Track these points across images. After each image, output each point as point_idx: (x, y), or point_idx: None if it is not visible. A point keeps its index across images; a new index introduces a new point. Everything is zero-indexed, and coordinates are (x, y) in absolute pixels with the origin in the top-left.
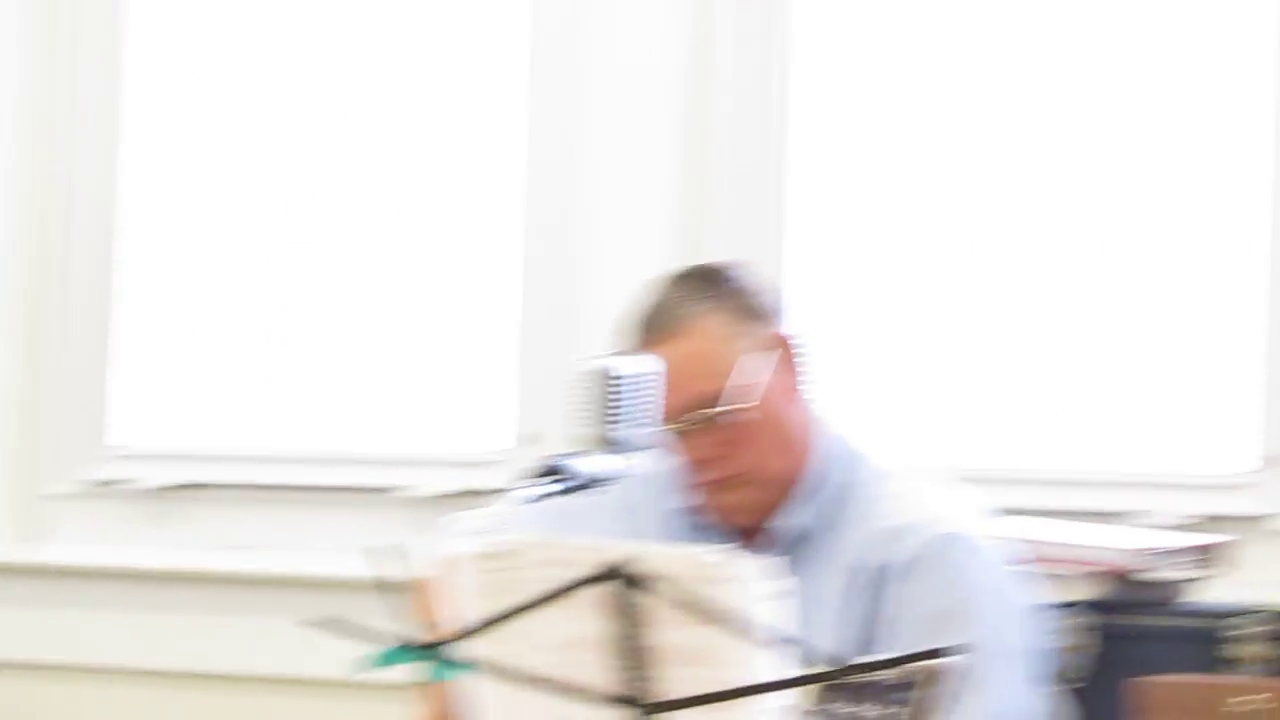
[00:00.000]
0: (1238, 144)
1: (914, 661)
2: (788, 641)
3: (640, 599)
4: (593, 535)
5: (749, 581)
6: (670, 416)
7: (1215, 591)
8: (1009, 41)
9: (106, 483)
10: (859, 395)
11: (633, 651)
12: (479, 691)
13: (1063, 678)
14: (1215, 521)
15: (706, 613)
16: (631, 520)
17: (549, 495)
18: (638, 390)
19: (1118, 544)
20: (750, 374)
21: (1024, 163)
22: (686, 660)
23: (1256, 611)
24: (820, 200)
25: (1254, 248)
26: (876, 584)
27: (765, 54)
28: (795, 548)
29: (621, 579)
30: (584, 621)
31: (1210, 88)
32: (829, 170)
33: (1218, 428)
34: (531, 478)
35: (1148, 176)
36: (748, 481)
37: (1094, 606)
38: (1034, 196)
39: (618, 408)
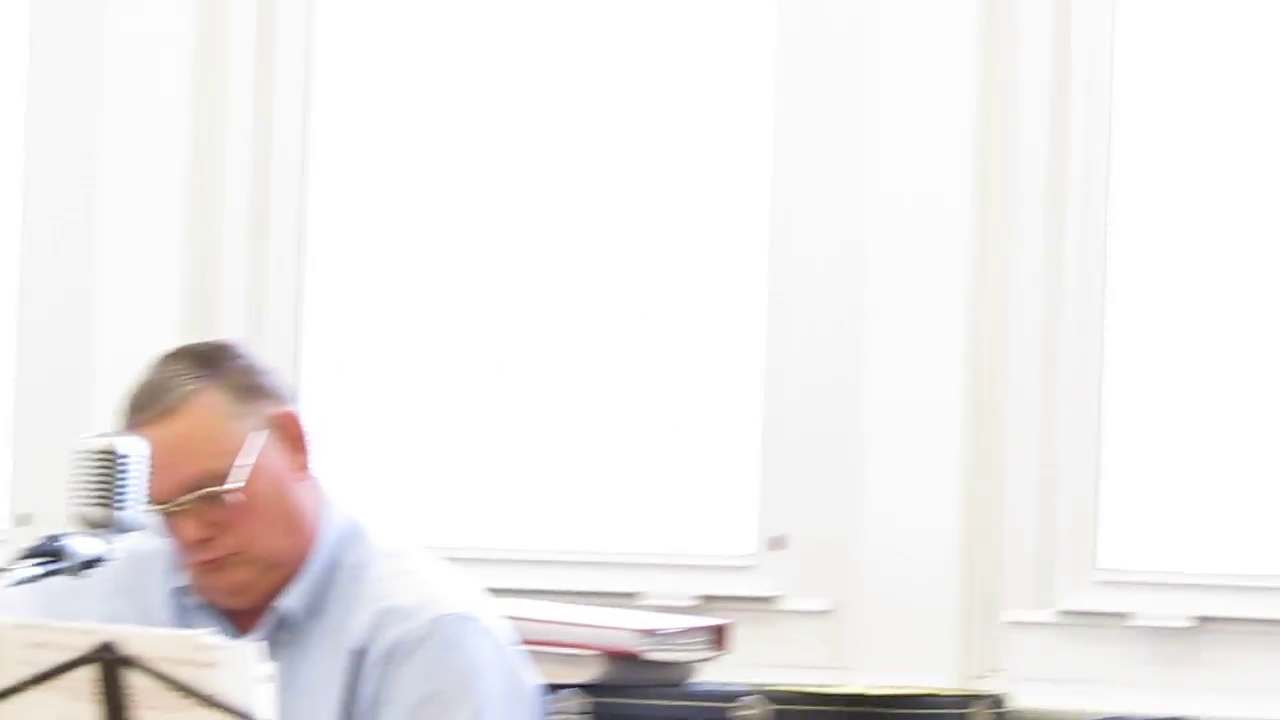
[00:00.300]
0: (731, 241)
1: None
2: None
3: (128, 682)
4: (90, 617)
5: (241, 664)
6: (161, 497)
7: (718, 673)
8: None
9: None
10: (359, 475)
11: None
12: None
13: None
14: (717, 603)
15: (196, 696)
16: (132, 601)
17: (42, 576)
18: (137, 470)
19: (621, 625)
20: (245, 454)
21: (522, 251)
22: None
23: (758, 692)
24: (333, 278)
25: (750, 334)
26: (376, 665)
27: (285, 127)
28: (297, 629)
29: (109, 661)
30: (72, 705)
31: (706, 182)
32: (343, 248)
33: (718, 510)
34: (24, 558)
35: (646, 262)
36: (243, 562)
37: (596, 688)
38: (537, 277)
39: (117, 487)
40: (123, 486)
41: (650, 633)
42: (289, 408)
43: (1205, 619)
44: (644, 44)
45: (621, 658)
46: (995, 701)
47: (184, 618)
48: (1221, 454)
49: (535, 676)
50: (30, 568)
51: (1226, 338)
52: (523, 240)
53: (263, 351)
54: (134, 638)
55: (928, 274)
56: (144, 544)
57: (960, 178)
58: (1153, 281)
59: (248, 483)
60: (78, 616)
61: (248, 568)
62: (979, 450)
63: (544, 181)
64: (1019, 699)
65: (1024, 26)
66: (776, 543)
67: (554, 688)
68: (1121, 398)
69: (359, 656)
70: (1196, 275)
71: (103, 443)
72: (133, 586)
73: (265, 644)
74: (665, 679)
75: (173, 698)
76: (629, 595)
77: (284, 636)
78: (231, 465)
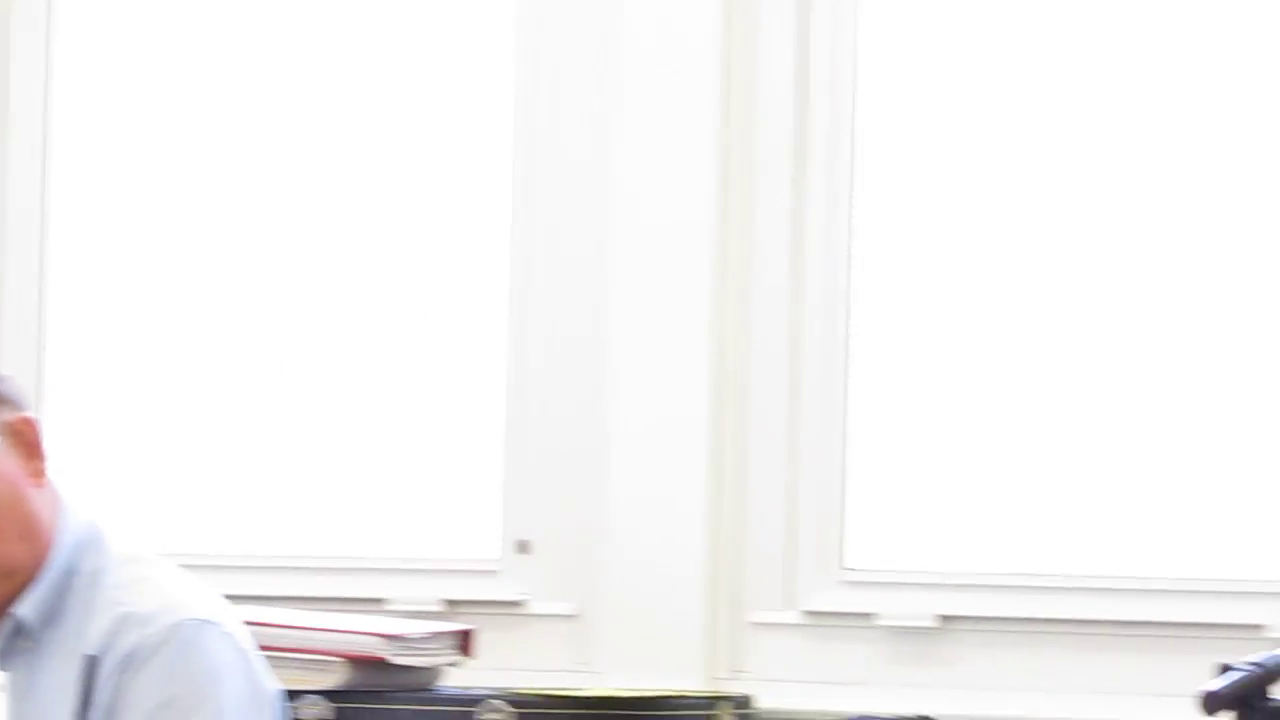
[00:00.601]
0: (473, 245)
1: None
2: None
3: None
4: None
5: None
6: None
7: (463, 677)
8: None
9: None
10: (97, 481)
11: None
12: None
13: None
14: (463, 607)
15: None
16: None
17: None
18: None
19: (365, 630)
20: None
21: (265, 255)
22: None
23: (502, 696)
24: (75, 285)
25: (492, 339)
26: (113, 672)
27: (24, 128)
28: (32, 637)
29: None
30: None
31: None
32: (84, 255)
33: (462, 515)
34: None
35: (389, 268)
36: None
37: (340, 694)
38: (278, 281)
39: None
40: None
41: (395, 638)
42: (25, 414)
43: (948, 618)
44: (382, 52)
45: (366, 663)
46: (741, 702)
47: None
48: (964, 456)
49: (277, 682)
50: None
51: (968, 342)
52: (266, 243)
53: None
54: None
55: (672, 279)
56: None
57: (703, 183)
58: (895, 286)
59: None
60: None
61: None
62: (724, 452)
63: (289, 184)
64: (765, 699)
65: (765, 34)
66: (521, 547)
67: (296, 694)
68: (866, 400)
69: (95, 663)
70: (938, 281)
71: None
72: None
73: (17, 651)
74: (410, 684)
75: None
76: (376, 601)
77: (19, 645)
78: None
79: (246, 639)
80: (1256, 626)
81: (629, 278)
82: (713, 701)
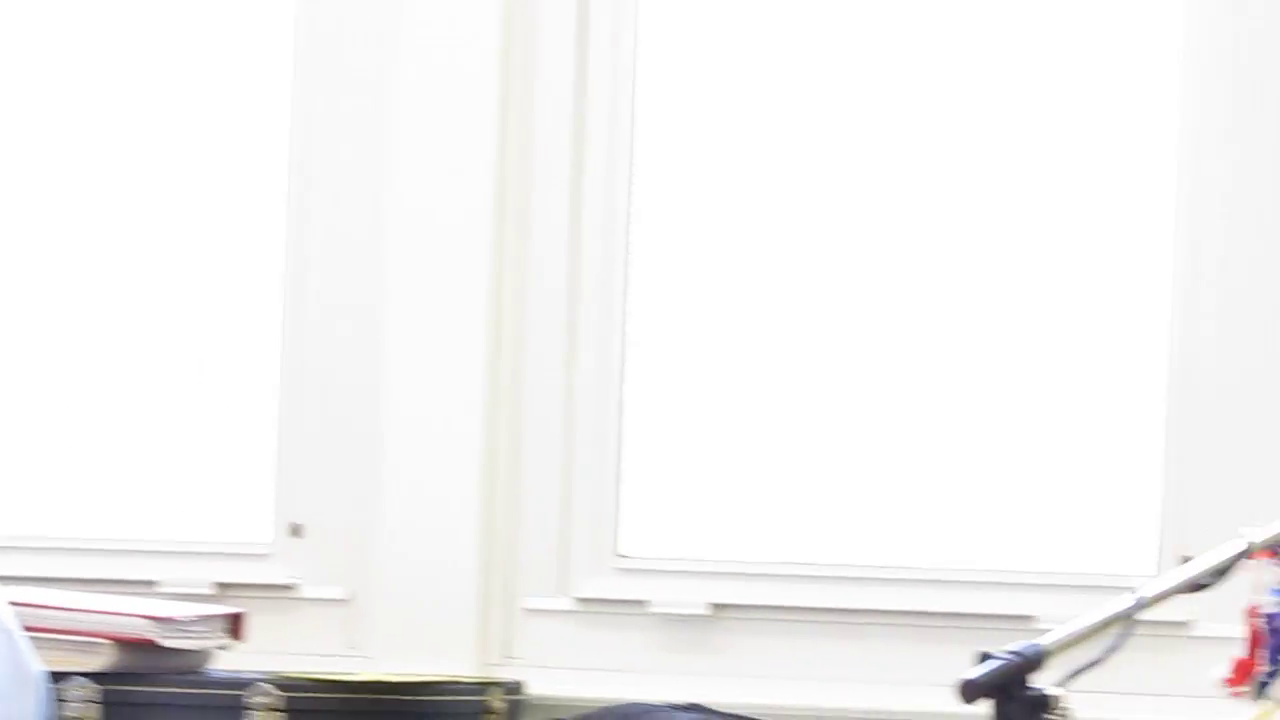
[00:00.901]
0: (247, 224)
1: None
2: None
3: None
4: None
5: None
6: None
7: (234, 661)
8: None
9: None
10: None
11: None
12: None
13: None
14: (234, 590)
15: None
16: None
17: None
18: None
19: (134, 613)
20: None
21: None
22: None
23: (273, 680)
24: None
25: (266, 319)
26: None
27: None
28: None
29: None
30: None
31: None
32: None
33: (234, 497)
34: None
35: (162, 249)
36: None
37: (108, 676)
38: (59, 267)
39: None
40: None
41: (164, 620)
42: None
43: (721, 606)
44: (159, 47)
45: (134, 645)
46: (512, 688)
47: None
48: (737, 447)
49: (43, 664)
50: None
51: (742, 335)
52: (39, 224)
53: None
54: None
55: (448, 265)
56: None
57: (481, 175)
58: (671, 281)
59: None
60: None
61: None
62: (499, 439)
63: (64, 172)
64: (536, 685)
65: (544, 37)
66: (293, 530)
67: (63, 676)
68: (640, 391)
69: None
70: (713, 276)
71: None
72: None
73: None
74: (179, 667)
75: None
76: (146, 583)
77: None
78: None
79: (12, 620)
80: (1027, 617)
81: (406, 265)
82: (483, 687)
